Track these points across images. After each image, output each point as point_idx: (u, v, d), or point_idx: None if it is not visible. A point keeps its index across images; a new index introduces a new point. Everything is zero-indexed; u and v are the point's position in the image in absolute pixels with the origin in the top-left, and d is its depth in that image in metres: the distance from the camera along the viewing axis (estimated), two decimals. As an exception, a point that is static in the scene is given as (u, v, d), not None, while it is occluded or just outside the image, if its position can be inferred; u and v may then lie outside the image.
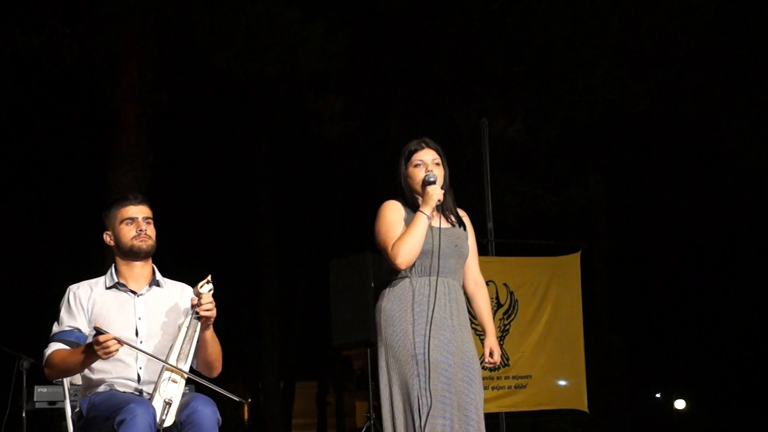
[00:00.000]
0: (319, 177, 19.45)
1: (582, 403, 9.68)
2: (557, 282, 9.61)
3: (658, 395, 28.50)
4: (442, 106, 12.76)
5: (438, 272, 4.11)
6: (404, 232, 4.12)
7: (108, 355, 3.57)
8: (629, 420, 18.95)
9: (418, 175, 4.18)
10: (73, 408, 3.90)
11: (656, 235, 19.86)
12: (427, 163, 4.19)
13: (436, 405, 4.01)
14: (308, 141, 15.64)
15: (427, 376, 4.02)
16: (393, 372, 4.12)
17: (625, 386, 19.89)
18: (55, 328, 3.86)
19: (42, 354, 3.84)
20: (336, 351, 18.36)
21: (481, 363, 4.25)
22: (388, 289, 4.23)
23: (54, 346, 3.79)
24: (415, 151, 4.20)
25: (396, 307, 4.15)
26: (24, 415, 6.55)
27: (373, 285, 7.35)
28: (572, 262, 9.78)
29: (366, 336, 7.35)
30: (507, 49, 12.01)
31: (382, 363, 4.19)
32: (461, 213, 4.36)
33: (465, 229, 4.31)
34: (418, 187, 4.19)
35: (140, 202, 3.98)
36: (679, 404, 27.81)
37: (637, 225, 18.94)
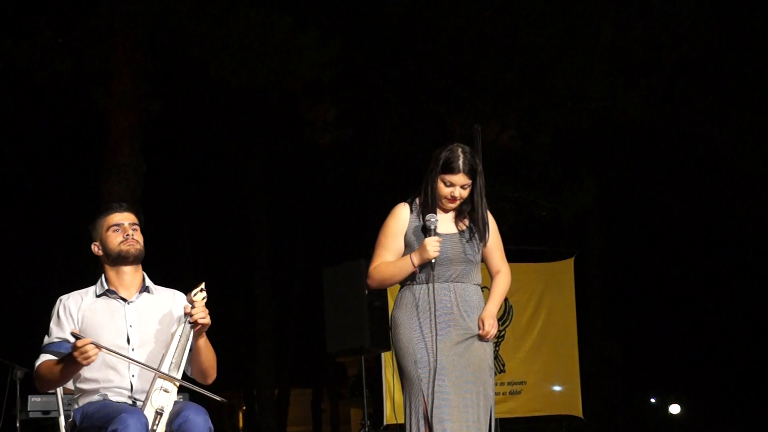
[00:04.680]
0: (312, 185, 19.44)
1: (577, 409, 9.71)
2: (551, 288, 9.64)
3: (652, 400, 28.48)
4: (435, 114, 12.77)
5: (434, 280, 4.20)
6: (390, 266, 4.26)
7: (87, 360, 3.56)
8: (624, 425, 18.96)
9: (445, 192, 4.24)
10: (66, 418, 3.90)
11: (650, 241, 19.89)
12: (454, 191, 4.22)
13: (443, 408, 4.10)
14: (302, 149, 15.64)
15: (431, 381, 4.12)
16: (403, 377, 4.26)
17: (619, 391, 19.91)
18: (45, 340, 3.86)
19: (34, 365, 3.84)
20: (330, 358, 18.33)
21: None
22: (398, 296, 4.36)
23: (42, 358, 3.80)
24: (451, 171, 4.21)
25: (403, 314, 4.28)
26: (18, 424, 6.54)
27: (366, 292, 7.36)
28: (566, 268, 9.82)
29: (360, 343, 7.35)
30: (500, 56, 12.03)
31: (398, 369, 4.32)
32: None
33: (480, 238, 4.34)
34: (440, 201, 4.27)
35: (125, 210, 4.00)
36: (674, 409, 27.79)
37: (631, 230, 18.96)
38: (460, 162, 4.21)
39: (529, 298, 9.55)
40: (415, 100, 13.13)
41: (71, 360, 3.59)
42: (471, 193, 4.29)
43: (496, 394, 9.01)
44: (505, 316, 9.36)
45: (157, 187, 13.69)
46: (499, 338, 9.27)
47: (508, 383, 9.31)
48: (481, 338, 4.25)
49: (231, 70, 10.16)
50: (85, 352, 3.53)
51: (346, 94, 12.72)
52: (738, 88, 12.86)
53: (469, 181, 4.24)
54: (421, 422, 4.13)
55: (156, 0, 9.75)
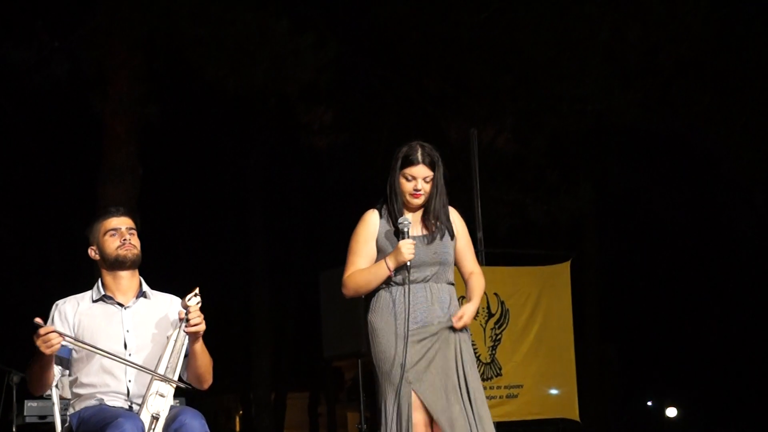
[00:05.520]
0: (309, 188, 19.47)
1: (573, 412, 9.68)
2: (548, 291, 9.61)
3: (649, 403, 28.53)
4: (432, 117, 12.77)
5: (409, 282, 4.16)
6: (364, 272, 4.23)
7: (50, 348, 3.52)
8: (621, 428, 18.96)
9: (408, 188, 4.21)
10: (63, 422, 3.89)
11: (646, 244, 19.92)
12: (417, 184, 4.19)
13: (427, 403, 4.10)
14: (298, 152, 15.65)
15: (408, 383, 4.11)
16: (384, 382, 4.19)
17: (616, 394, 19.90)
18: None
19: None
20: (327, 362, 18.33)
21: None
22: (373, 300, 4.32)
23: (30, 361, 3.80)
24: (411, 163, 4.19)
25: (379, 318, 4.24)
26: (14, 429, 6.53)
27: (363, 296, 7.35)
28: (563, 271, 9.79)
29: (357, 347, 7.34)
30: (496, 59, 12.04)
31: (375, 374, 4.26)
32: (452, 212, 4.37)
33: (450, 235, 4.31)
34: (405, 197, 4.24)
35: (122, 214, 3.99)
36: (671, 412, 27.84)
37: (628, 233, 18.99)
38: (419, 154, 4.19)
39: (525, 301, 9.52)
40: (412, 103, 13.14)
41: (37, 350, 3.57)
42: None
43: (493, 397, 9.03)
44: (501, 319, 9.35)
45: (154, 190, 13.69)
46: (496, 342, 9.26)
47: (505, 387, 9.29)
48: (454, 330, 4.18)
49: (228, 74, 10.16)
50: (49, 340, 3.51)
51: (343, 97, 12.73)
52: (735, 91, 12.86)
53: (431, 173, 4.20)
54: (411, 426, 4.10)
55: (152, 3, 9.75)
